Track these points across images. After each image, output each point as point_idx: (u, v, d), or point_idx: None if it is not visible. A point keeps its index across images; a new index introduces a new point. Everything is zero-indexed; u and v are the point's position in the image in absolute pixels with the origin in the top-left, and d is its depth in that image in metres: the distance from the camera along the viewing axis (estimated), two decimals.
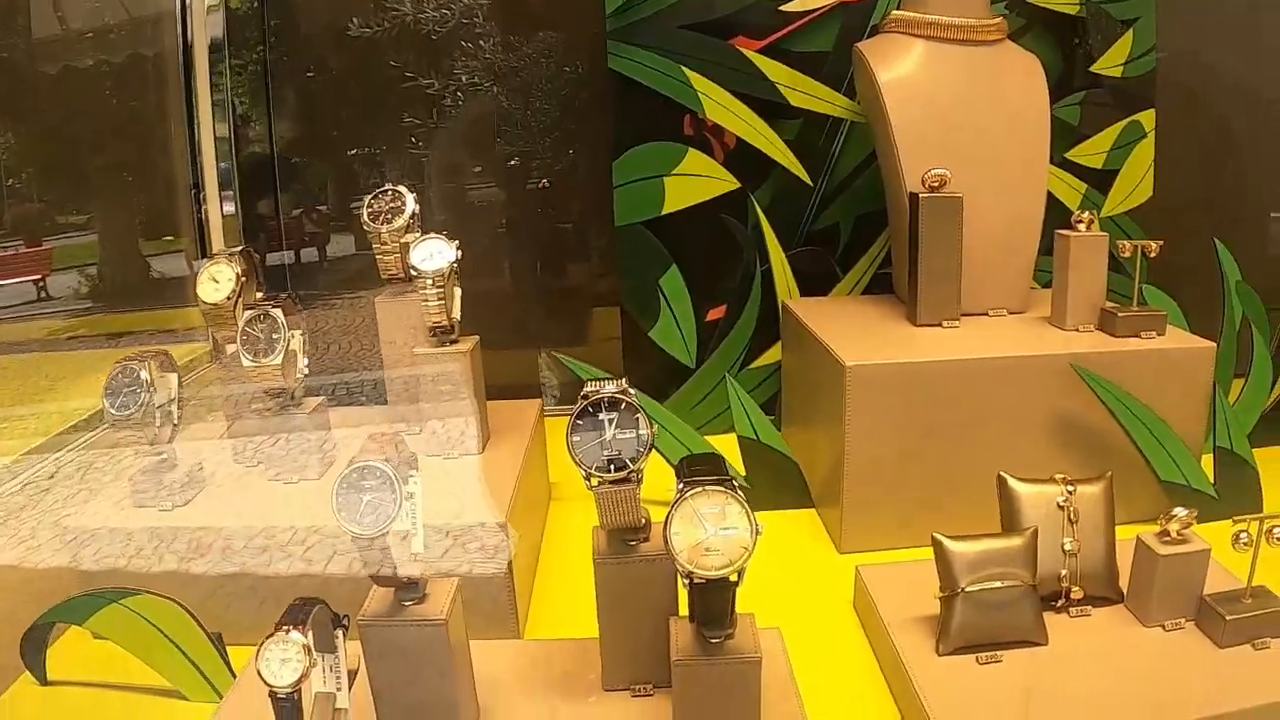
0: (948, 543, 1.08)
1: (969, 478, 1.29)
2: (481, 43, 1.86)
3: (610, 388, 0.93)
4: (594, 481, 0.92)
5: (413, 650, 0.89)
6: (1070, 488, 1.14)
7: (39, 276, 2.08)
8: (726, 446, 1.46)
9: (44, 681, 1.13)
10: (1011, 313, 1.49)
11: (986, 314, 1.48)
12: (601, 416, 0.92)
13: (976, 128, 1.45)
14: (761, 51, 1.64)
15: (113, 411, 1.21)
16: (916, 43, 1.47)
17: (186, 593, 1.10)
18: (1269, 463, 1.53)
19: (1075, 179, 1.73)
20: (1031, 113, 1.48)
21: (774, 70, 1.64)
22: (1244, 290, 1.59)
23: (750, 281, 1.69)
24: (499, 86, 1.87)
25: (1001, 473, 1.15)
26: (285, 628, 0.84)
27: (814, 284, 1.73)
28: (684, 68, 1.61)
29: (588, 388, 0.93)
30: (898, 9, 1.50)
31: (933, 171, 1.38)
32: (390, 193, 1.34)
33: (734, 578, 0.86)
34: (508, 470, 1.25)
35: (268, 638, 0.84)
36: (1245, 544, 1.05)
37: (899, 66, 1.46)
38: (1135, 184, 1.73)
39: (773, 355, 1.72)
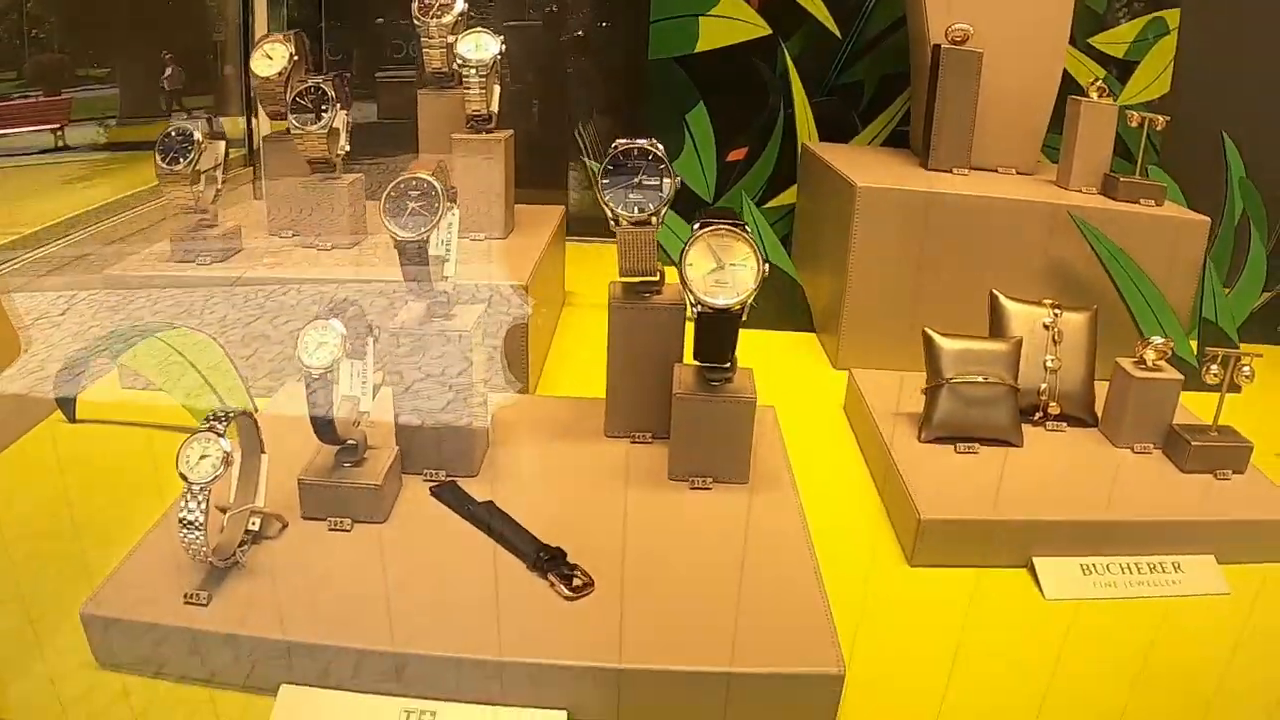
0: (937, 338, 1.15)
1: (963, 309, 1.32)
2: None
3: (641, 141, 1.00)
4: (622, 223, 0.99)
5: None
6: (1057, 310, 1.20)
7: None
8: None
9: (72, 420, 1.18)
10: (1020, 173, 1.55)
11: (995, 170, 1.54)
12: (630, 165, 0.99)
13: None
14: None
15: (163, 166, 1.27)
16: None
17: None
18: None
19: (1095, 64, 1.77)
20: None
21: None
22: (1246, 186, 1.64)
23: (773, 125, 1.74)
24: None
25: (994, 290, 1.22)
26: (321, 319, 0.91)
27: (834, 133, 1.78)
28: None
29: (620, 142, 1.00)
30: None
31: (956, 25, 1.43)
32: None
33: (737, 307, 0.93)
34: (529, 254, 1.31)
35: (311, 320, 0.91)
36: (1215, 375, 1.12)
37: None
38: (1154, 77, 1.78)
39: (788, 198, 1.78)
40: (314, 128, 1.30)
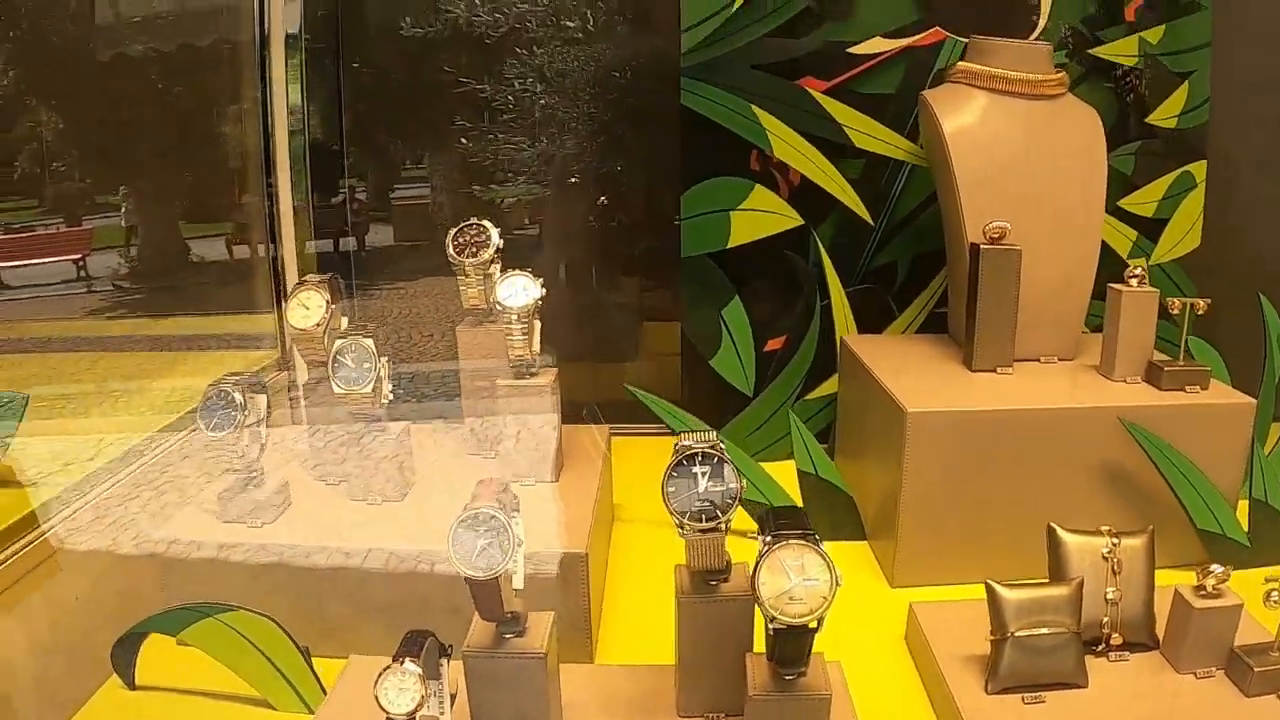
0: (999, 589, 1.15)
1: (1017, 518, 1.36)
2: (561, 80, 1.97)
3: (703, 442, 1.00)
4: (686, 529, 1.00)
5: (511, 679, 0.97)
6: (1115, 540, 1.20)
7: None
8: (780, 473, 1.53)
9: (132, 686, 1.18)
10: (1062, 359, 1.55)
11: (1039, 360, 1.54)
12: (695, 470, 1.00)
13: (1036, 179, 1.50)
14: (828, 92, 1.69)
15: (208, 433, 1.28)
16: (980, 94, 1.52)
17: (269, 605, 1.16)
18: None
19: (1127, 227, 1.78)
20: (1090, 167, 1.53)
21: (840, 112, 1.69)
22: None
23: (810, 316, 1.75)
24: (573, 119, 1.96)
25: (1051, 524, 1.22)
26: (401, 659, 0.92)
27: (871, 320, 1.78)
28: (754, 106, 1.66)
29: (682, 440, 1.01)
30: (962, 59, 1.56)
31: (994, 224, 1.44)
32: (475, 226, 1.40)
33: (813, 624, 0.94)
34: (584, 500, 1.32)
35: (385, 669, 0.92)
36: (1276, 601, 1.11)
37: (963, 117, 1.51)
38: (1184, 233, 1.78)
39: (829, 387, 1.78)
40: (358, 388, 1.31)
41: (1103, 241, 1.69)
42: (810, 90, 1.68)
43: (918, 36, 1.70)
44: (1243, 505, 1.47)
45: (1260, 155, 1.83)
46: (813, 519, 1.48)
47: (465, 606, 0.96)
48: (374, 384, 1.32)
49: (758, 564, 0.94)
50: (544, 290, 1.34)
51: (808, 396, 1.79)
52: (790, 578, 0.94)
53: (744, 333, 1.74)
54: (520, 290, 1.34)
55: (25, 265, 1.92)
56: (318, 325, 1.38)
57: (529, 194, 2.08)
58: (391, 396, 1.37)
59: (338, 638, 1.20)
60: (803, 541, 0.94)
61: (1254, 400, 1.44)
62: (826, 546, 1.47)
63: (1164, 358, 1.48)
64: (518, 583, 0.99)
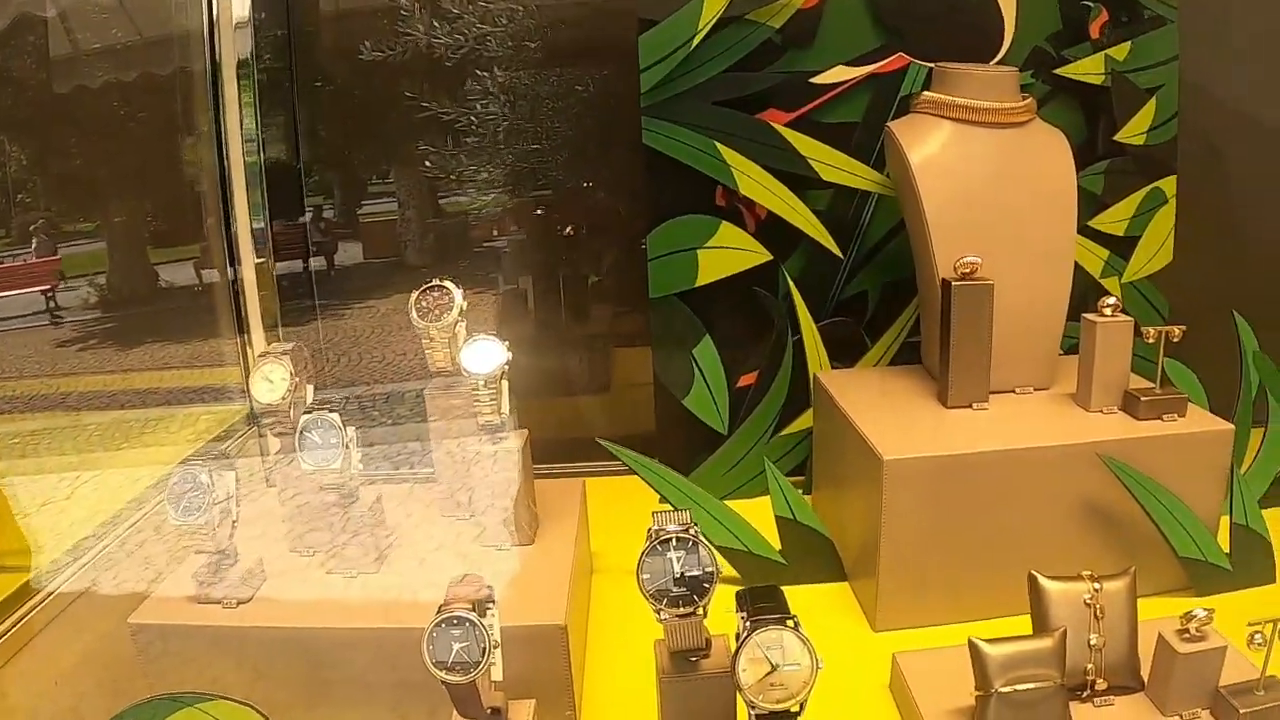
0: (983, 646, 1.13)
1: (998, 557, 1.36)
2: (521, 125, 1.95)
3: (675, 525, 0.99)
4: (663, 614, 0.99)
5: None
6: (1097, 585, 1.19)
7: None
8: (757, 510, 1.52)
9: None
10: (1038, 389, 1.54)
11: (1014, 391, 1.53)
12: (670, 554, 0.98)
13: (1006, 209, 1.48)
14: (792, 124, 1.67)
15: (177, 519, 1.26)
16: (946, 124, 1.50)
17: (249, 689, 1.15)
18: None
19: (1098, 246, 1.77)
20: (1059, 192, 1.52)
21: (804, 145, 1.67)
22: (1260, 360, 1.64)
23: (782, 351, 1.73)
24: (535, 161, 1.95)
25: (1032, 572, 1.21)
26: None
27: (844, 352, 1.77)
28: (717, 143, 1.64)
29: (655, 523, 1.00)
30: (927, 89, 1.53)
31: (965, 259, 1.42)
32: (437, 289, 1.37)
33: (795, 708, 0.93)
34: (561, 564, 1.30)
35: None
36: (1259, 644, 1.11)
37: (930, 148, 1.49)
38: (1156, 249, 1.77)
39: (804, 422, 1.76)
40: (327, 464, 1.28)
41: (1076, 263, 1.69)
42: (773, 124, 1.66)
43: (881, 63, 1.68)
44: (1224, 523, 1.47)
45: (1231, 167, 1.82)
46: (792, 564, 1.50)
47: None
48: (342, 459, 1.30)
49: (737, 651, 0.93)
50: (510, 355, 1.32)
51: (783, 432, 1.78)
52: (769, 662, 0.93)
53: (716, 371, 1.72)
54: (485, 355, 1.32)
55: None
56: (283, 399, 1.36)
57: (493, 211, 2.07)
58: (361, 465, 1.35)
59: (321, 714, 1.19)
60: (781, 625, 0.93)
61: (1232, 426, 1.44)
62: (807, 590, 1.48)
63: (1142, 385, 1.47)
64: (496, 675, 0.97)
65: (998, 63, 1.68)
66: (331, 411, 1.30)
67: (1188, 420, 1.44)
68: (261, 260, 2.06)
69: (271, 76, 2.04)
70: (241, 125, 2.01)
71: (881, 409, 1.50)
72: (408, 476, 1.49)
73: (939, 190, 1.48)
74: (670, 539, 0.98)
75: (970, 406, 1.48)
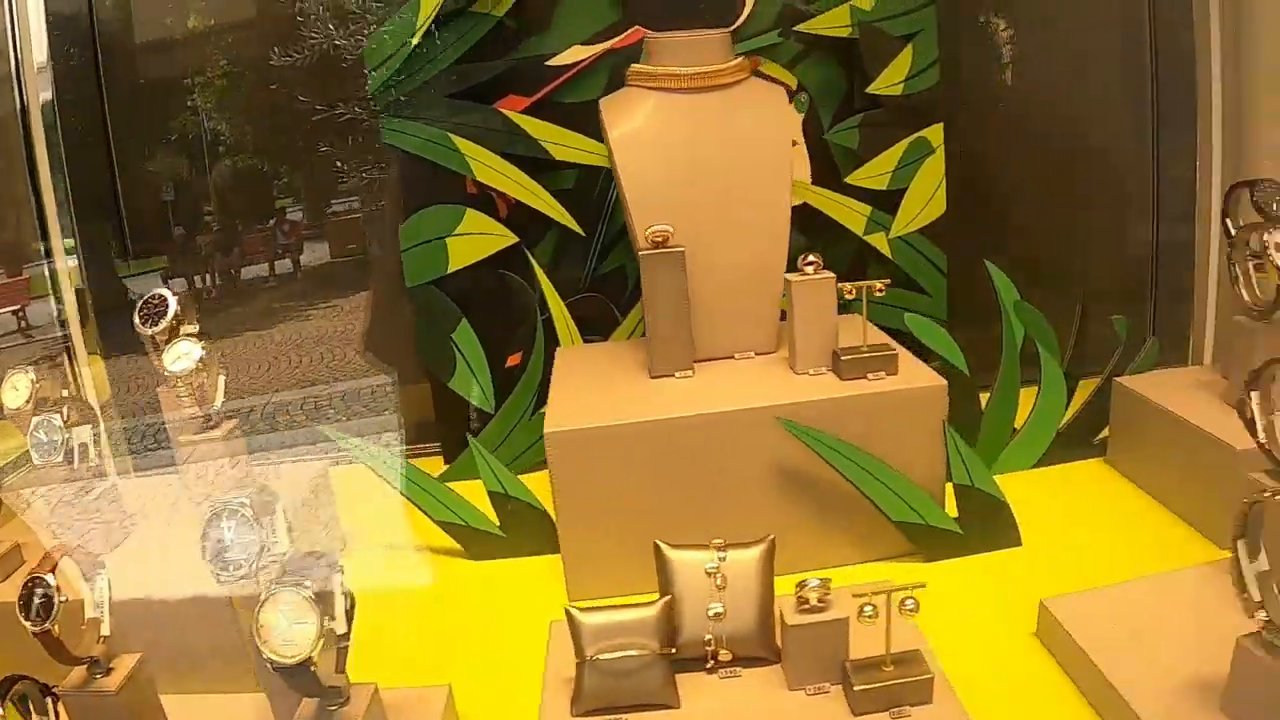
0: (577, 615, 1.15)
1: (685, 526, 1.31)
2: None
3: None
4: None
5: None
6: (722, 554, 1.19)
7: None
8: (534, 483, 1.53)
9: None
10: (760, 354, 1.52)
11: (733, 357, 1.51)
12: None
13: (711, 174, 1.46)
14: (530, 108, 1.69)
15: None
16: (651, 95, 1.49)
17: None
18: (1067, 479, 1.58)
19: (859, 203, 1.71)
20: (769, 151, 1.48)
21: (538, 128, 1.68)
22: (1023, 309, 1.55)
23: (534, 330, 1.75)
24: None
25: (657, 541, 1.21)
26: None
27: (597, 328, 1.78)
28: (450, 135, 1.67)
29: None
30: (638, 62, 1.53)
31: (654, 227, 1.42)
32: (156, 297, 1.48)
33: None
34: None
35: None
36: (870, 617, 1.06)
37: (632, 122, 1.49)
38: (926, 201, 1.70)
39: None
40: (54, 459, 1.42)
41: (835, 222, 1.65)
42: (504, 111, 1.68)
43: (617, 39, 1.67)
44: None
45: (1003, 109, 1.71)
46: (511, 536, 1.54)
47: None
48: (64, 453, 1.43)
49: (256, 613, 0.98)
50: (204, 351, 1.42)
51: (543, 409, 1.78)
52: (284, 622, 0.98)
53: (476, 353, 1.75)
54: (184, 355, 1.43)
55: None
56: (27, 402, 1.51)
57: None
58: (98, 460, 1.49)
59: None
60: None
61: (944, 383, 1.38)
62: (528, 560, 1.51)
63: (850, 344, 1.43)
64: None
65: (738, 26, 1.65)
66: (54, 413, 1.44)
67: (898, 378, 1.40)
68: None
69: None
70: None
71: (587, 382, 1.51)
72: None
73: (636, 162, 1.47)
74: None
75: (673, 375, 1.47)
